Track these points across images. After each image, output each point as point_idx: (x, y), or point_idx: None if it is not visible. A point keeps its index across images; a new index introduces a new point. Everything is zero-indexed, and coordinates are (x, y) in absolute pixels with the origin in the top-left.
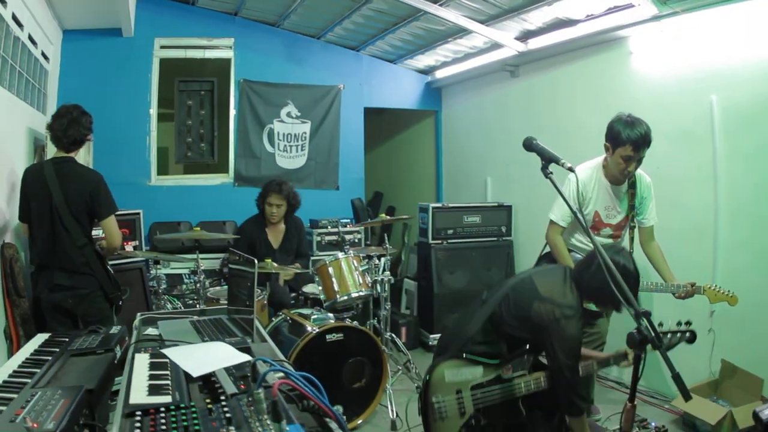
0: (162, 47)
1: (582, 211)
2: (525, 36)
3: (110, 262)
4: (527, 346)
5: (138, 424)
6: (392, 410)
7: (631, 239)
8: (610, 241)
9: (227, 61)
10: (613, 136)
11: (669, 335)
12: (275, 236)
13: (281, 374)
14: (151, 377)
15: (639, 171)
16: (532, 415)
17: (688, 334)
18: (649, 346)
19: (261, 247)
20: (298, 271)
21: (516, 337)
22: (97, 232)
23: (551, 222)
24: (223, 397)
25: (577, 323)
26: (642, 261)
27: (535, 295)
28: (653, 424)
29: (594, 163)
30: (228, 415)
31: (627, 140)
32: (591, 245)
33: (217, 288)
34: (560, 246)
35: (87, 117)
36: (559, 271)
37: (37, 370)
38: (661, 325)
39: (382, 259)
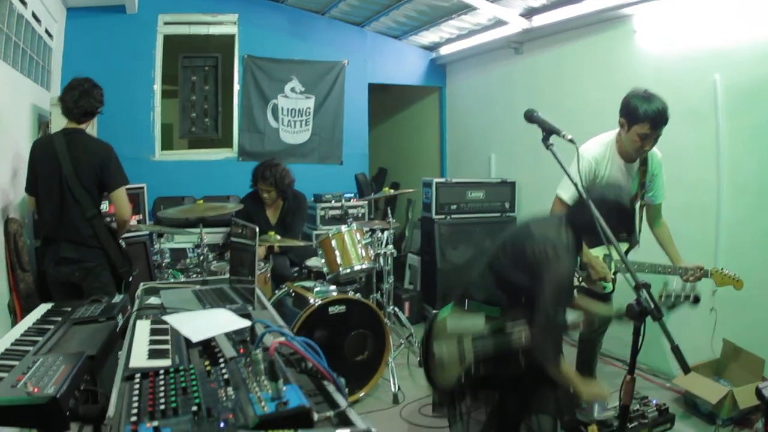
0: (166, 23)
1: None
2: (529, 13)
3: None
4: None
5: (137, 386)
6: (394, 384)
7: (640, 218)
8: None
9: (231, 36)
10: (630, 111)
11: (673, 296)
12: (273, 212)
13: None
14: (152, 342)
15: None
16: (532, 368)
17: (692, 297)
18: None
19: (259, 224)
20: (298, 244)
21: (514, 284)
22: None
23: (559, 198)
24: (222, 361)
25: (569, 263)
26: (649, 241)
27: (531, 237)
28: (654, 401)
29: (606, 139)
30: (226, 376)
31: (645, 117)
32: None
33: (221, 262)
34: None
35: (98, 89)
36: (555, 217)
37: (40, 339)
38: (666, 285)
39: (385, 233)
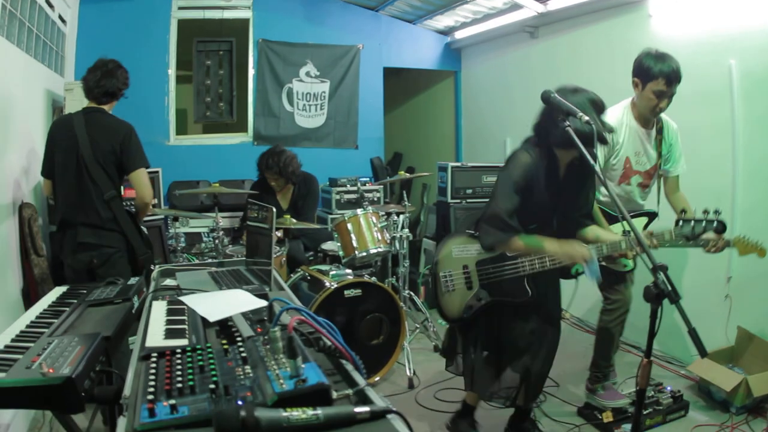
0: (180, 8)
1: (611, 159)
2: None
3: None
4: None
5: (153, 366)
6: (409, 368)
7: (658, 189)
8: (639, 189)
9: (246, 21)
10: (644, 70)
11: (693, 223)
12: (284, 196)
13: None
14: (168, 322)
15: (665, 117)
16: (538, 295)
17: (715, 223)
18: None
19: None
20: (313, 227)
21: None
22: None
23: None
24: (239, 340)
25: (514, 169)
26: (668, 214)
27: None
28: (668, 388)
29: (621, 105)
30: (243, 354)
31: (660, 74)
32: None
33: (237, 246)
34: None
35: (123, 71)
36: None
37: (55, 321)
38: (684, 212)
39: (401, 217)
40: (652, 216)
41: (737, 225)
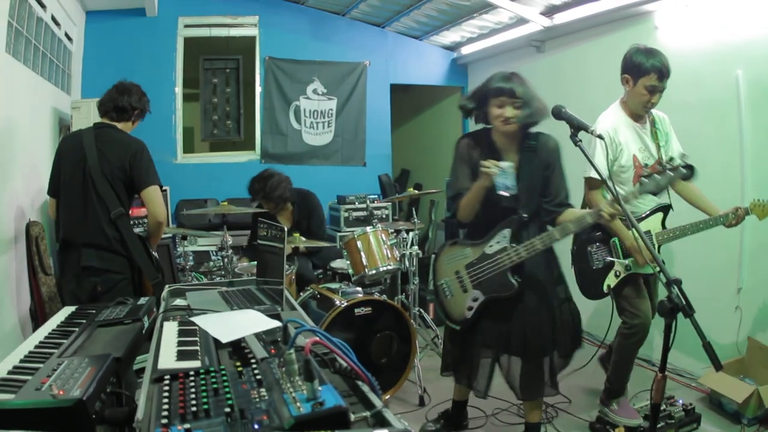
0: (186, 26)
1: (620, 160)
2: (550, 11)
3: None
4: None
5: (166, 389)
6: (420, 386)
7: None
8: None
9: (252, 38)
10: (634, 66)
11: (657, 176)
12: (286, 217)
13: (312, 337)
14: (180, 343)
15: (653, 109)
16: (522, 284)
17: (681, 170)
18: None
19: None
20: (323, 245)
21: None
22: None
23: (587, 180)
24: (253, 361)
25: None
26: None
27: None
28: (680, 401)
29: (612, 108)
30: (258, 377)
31: (652, 68)
32: (639, 206)
33: (245, 264)
34: (600, 203)
35: (140, 91)
36: None
37: (64, 341)
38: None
39: (410, 234)
40: (666, 209)
41: (747, 235)
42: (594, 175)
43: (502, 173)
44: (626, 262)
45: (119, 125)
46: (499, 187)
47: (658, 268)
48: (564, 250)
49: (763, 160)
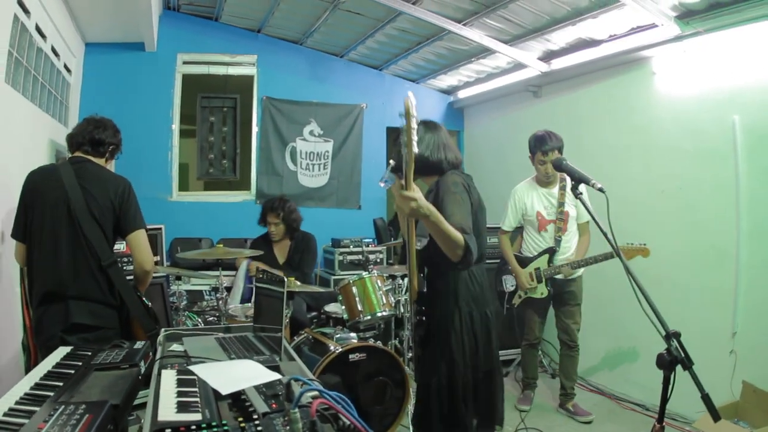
0: (185, 63)
1: (526, 214)
2: (548, 56)
3: (129, 278)
4: None
5: None
6: None
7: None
8: (555, 233)
9: (250, 77)
10: (531, 148)
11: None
12: (281, 251)
13: (315, 393)
14: (179, 394)
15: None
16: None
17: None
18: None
19: (266, 262)
20: (317, 290)
21: None
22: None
23: (499, 229)
24: (255, 416)
25: None
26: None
27: None
28: None
29: (526, 180)
30: None
31: (540, 149)
32: (534, 248)
33: (238, 305)
34: (505, 248)
35: (115, 128)
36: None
37: (60, 384)
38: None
39: (405, 279)
40: (551, 251)
41: (742, 282)
42: (504, 227)
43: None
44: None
45: (94, 159)
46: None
47: (656, 318)
48: None
49: (759, 206)
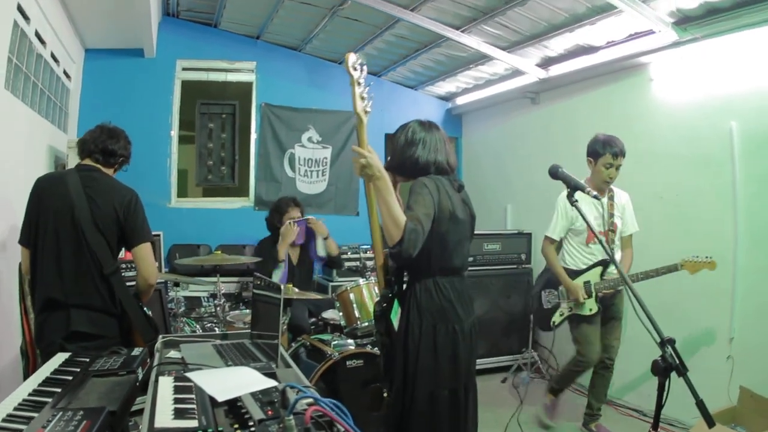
0: (184, 69)
1: (575, 225)
2: (546, 63)
3: (130, 284)
4: None
5: None
6: None
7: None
8: (611, 246)
9: (249, 84)
10: (595, 151)
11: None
12: (293, 252)
13: (310, 400)
14: (176, 401)
15: (615, 188)
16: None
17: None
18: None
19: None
20: (315, 296)
21: None
22: None
23: (546, 237)
24: (250, 423)
25: None
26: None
27: None
28: None
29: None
30: None
31: (608, 151)
32: (581, 260)
33: (236, 312)
34: (553, 258)
35: (127, 139)
36: None
37: (58, 390)
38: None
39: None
40: (604, 263)
41: (738, 288)
42: (552, 235)
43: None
44: (570, 304)
45: (103, 168)
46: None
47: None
48: None
49: (756, 212)
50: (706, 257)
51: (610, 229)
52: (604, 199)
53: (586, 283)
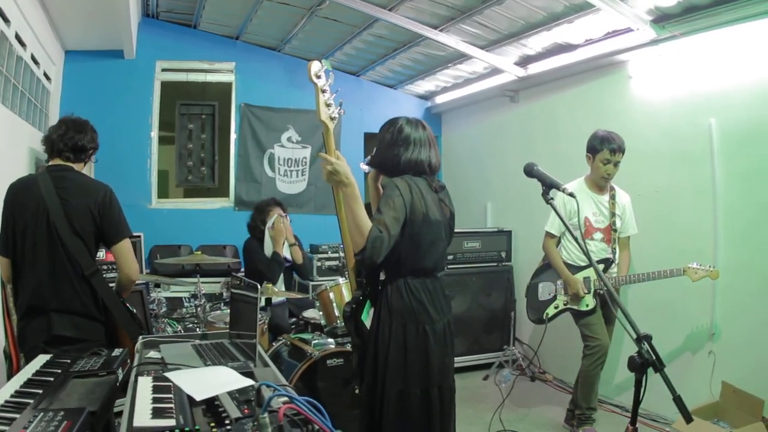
0: (163, 70)
1: (572, 220)
2: (524, 61)
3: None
4: None
5: None
6: None
7: (612, 241)
8: (604, 245)
9: (228, 84)
10: (593, 146)
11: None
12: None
13: (285, 399)
14: (155, 400)
15: (618, 188)
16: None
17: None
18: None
19: (262, 261)
20: (295, 296)
21: None
22: None
23: (546, 233)
24: (227, 421)
25: None
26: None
27: None
28: None
29: (575, 181)
30: None
31: (606, 147)
32: (578, 256)
33: (218, 312)
34: (553, 253)
35: (92, 130)
36: None
37: (39, 391)
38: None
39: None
40: (606, 262)
41: (719, 286)
42: (552, 230)
43: None
44: (566, 298)
45: (74, 166)
46: None
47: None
48: None
49: (736, 210)
50: (710, 266)
51: (613, 228)
52: (606, 197)
53: (586, 279)
